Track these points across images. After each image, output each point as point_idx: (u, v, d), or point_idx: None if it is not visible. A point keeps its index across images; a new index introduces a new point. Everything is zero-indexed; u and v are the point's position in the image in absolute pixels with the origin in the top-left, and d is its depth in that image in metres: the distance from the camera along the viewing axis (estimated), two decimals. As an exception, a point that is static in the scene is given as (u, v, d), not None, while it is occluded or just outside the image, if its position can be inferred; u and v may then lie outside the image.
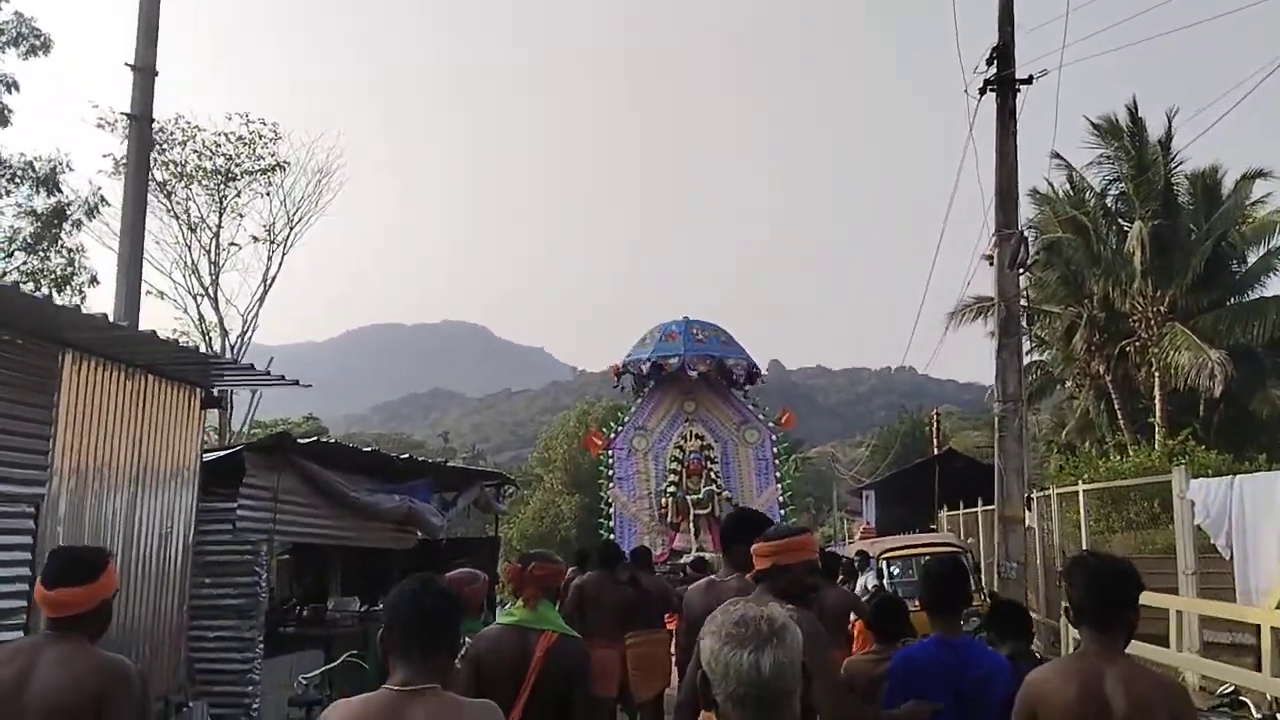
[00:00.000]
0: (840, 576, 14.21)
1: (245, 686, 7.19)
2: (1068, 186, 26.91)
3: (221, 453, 7.37)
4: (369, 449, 8.82)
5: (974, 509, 18.67)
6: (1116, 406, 25.73)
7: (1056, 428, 35.69)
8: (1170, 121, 24.72)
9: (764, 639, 1.69)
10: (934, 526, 24.14)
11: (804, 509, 57.15)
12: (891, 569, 11.58)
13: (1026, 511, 8.70)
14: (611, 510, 17.38)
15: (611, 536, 16.39)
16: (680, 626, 4.88)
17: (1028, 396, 31.23)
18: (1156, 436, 22.49)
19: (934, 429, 39.18)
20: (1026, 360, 30.11)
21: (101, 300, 23.53)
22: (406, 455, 9.84)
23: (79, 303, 17.83)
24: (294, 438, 7.48)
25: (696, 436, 17.29)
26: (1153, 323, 24.51)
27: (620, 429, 17.79)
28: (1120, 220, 26.57)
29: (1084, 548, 10.33)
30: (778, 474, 17.59)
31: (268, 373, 6.78)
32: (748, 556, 3.33)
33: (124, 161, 20.93)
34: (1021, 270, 8.66)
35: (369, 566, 11.19)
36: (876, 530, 25.68)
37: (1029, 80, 8.88)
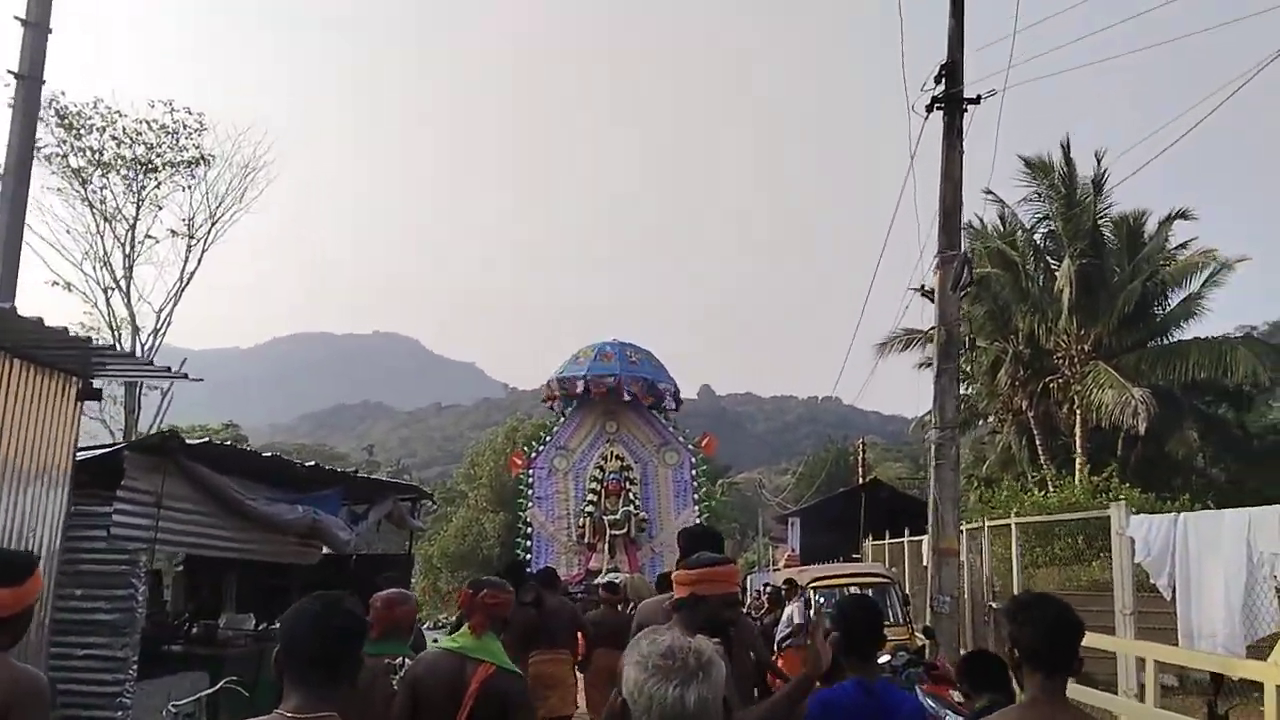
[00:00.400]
0: (764, 605, 14.00)
1: (115, 711, 6.47)
2: (998, 222, 27.34)
3: (96, 451, 6.64)
4: (269, 454, 8.12)
5: (899, 539, 18.56)
6: (1038, 442, 26.11)
7: (976, 461, 36.22)
8: (1099, 161, 25.27)
9: (690, 673, 1.65)
10: (858, 556, 24.07)
11: (729, 534, 57.05)
12: (820, 598, 11.26)
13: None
14: (530, 530, 17.28)
15: (528, 556, 16.33)
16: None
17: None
18: (1079, 472, 22.79)
19: (859, 458, 39.43)
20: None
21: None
22: (312, 463, 9.15)
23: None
24: (181, 437, 6.78)
25: (617, 457, 17.38)
26: (1076, 360, 24.95)
27: (542, 448, 17.75)
28: (1048, 258, 27.10)
29: (1015, 582, 10.13)
30: (695, 496, 17.70)
31: (151, 363, 6.13)
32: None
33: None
34: (963, 293, 8.42)
35: (268, 582, 10.45)
36: (801, 558, 25.58)
37: (977, 100, 8.71)
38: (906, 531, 17.73)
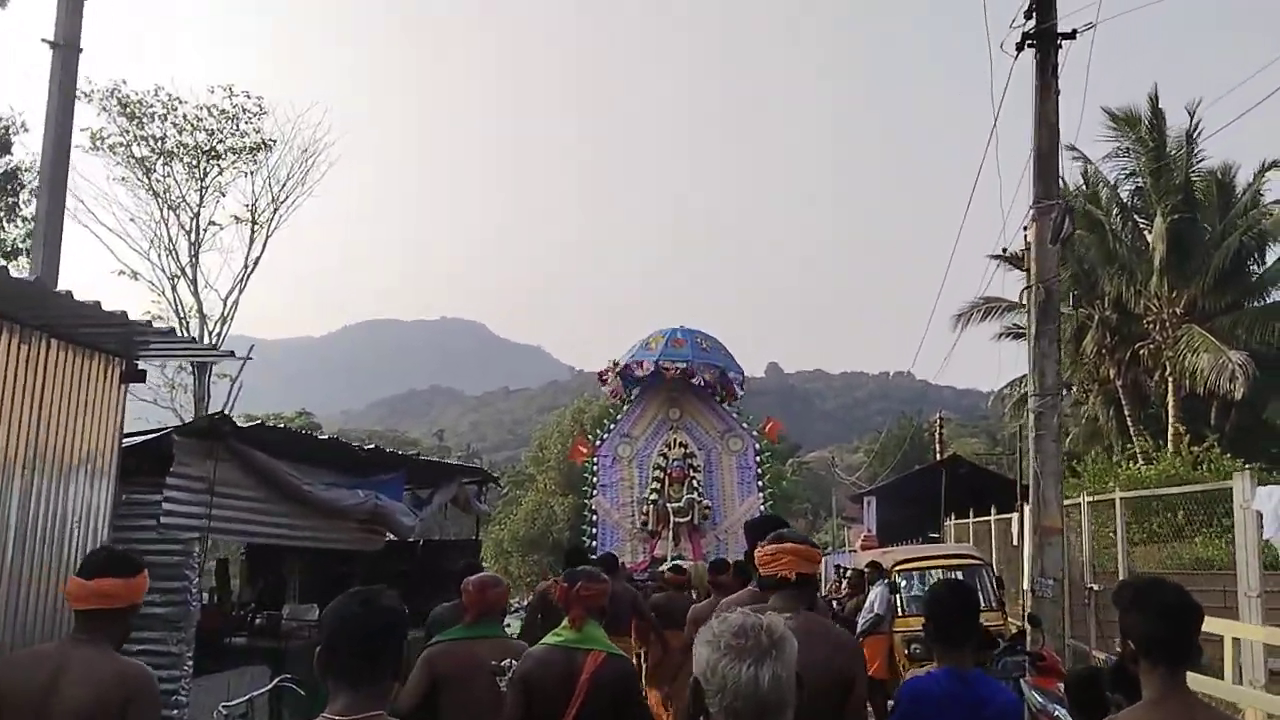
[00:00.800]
0: (847, 589, 13.42)
1: (171, 710, 6.20)
2: (1080, 182, 25.84)
3: (143, 437, 6.35)
4: (325, 436, 7.79)
5: (985, 517, 17.73)
6: (1126, 413, 24.85)
7: (1060, 435, 34.77)
8: (1192, 116, 23.76)
9: (763, 651, 1.66)
10: (937, 536, 23.20)
11: (801, 514, 56.18)
12: (905, 581, 10.59)
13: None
14: (595, 517, 17.32)
15: (593, 544, 16.36)
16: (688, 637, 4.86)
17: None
18: (1173, 442, 21.58)
19: (936, 434, 38.18)
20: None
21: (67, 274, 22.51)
22: (372, 445, 8.82)
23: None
24: (232, 420, 6.48)
25: (680, 444, 17.33)
26: (1168, 324, 23.66)
27: (606, 436, 17.80)
28: (1137, 217, 25.65)
29: (1120, 564, 9.38)
30: (760, 484, 17.55)
31: (194, 340, 5.79)
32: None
33: (88, 128, 20.23)
34: (1064, 246, 7.68)
35: (333, 570, 10.19)
36: (878, 538, 24.78)
37: (1072, 34, 7.93)
38: (993, 509, 16.91)
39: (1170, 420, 22.89)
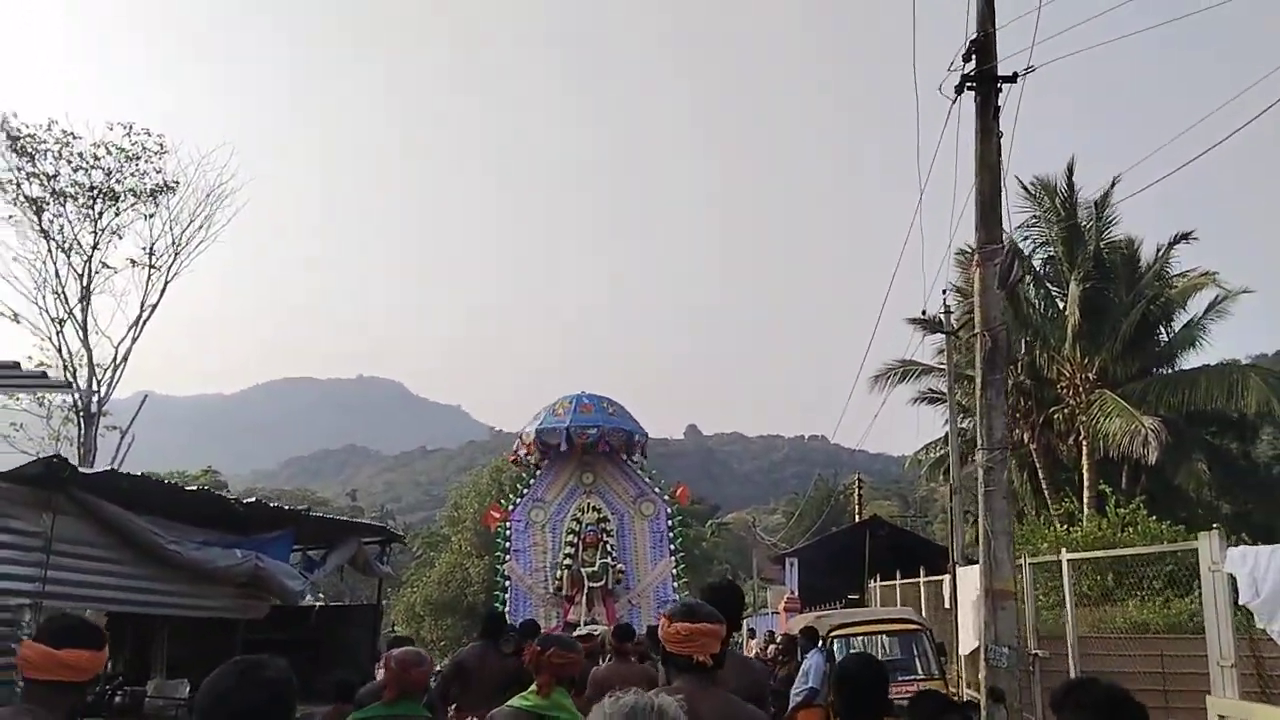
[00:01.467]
0: (777, 654, 12.77)
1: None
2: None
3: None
4: (194, 488, 6.81)
5: (913, 579, 17.27)
6: (1042, 477, 25.05)
7: (973, 500, 34.86)
8: (1112, 187, 24.42)
9: None
10: (856, 598, 22.74)
11: (721, 576, 55.40)
12: (843, 649, 9.94)
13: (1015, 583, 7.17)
14: (508, 582, 17.34)
15: (505, 609, 16.45)
16: None
17: (945, 468, 30.47)
18: (1091, 505, 21.60)
19: (856, 495, 38.08)
20: (944, 429, 29.42)
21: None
22: (252, 499, 7.86)
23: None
24: (72, 465, 5.51)
25: (594, 509, 17.54)
26: (1081, 390, 23.99)
27: (519, 501, 17.89)
28: (1049, 285, 26.19)
29: (1069, 629, 8.90)
30: (672, 547, 17.85)
31: (18, 366, 4.89)
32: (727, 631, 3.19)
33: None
34: (1009, 292, 7.30)
35: (209, 640, 9.06)
36: (801, 600, 24.23)
37: (1012, 78, 7.68)
38: (921, 571, 16.47)
39: (1086, 483, 23.05)
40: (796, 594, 24.49)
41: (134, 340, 20.48)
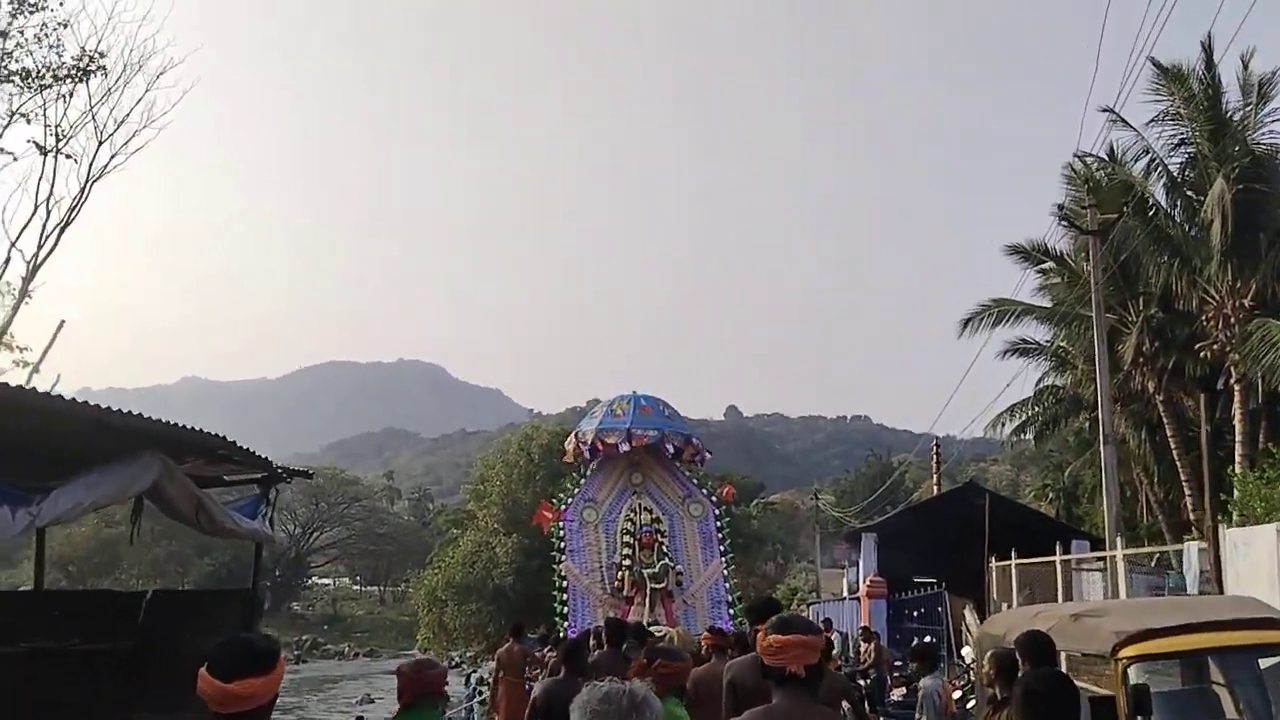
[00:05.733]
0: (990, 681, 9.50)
1: None
2: (1121, 152, 22.11)
3: None
4: None
5: (1045, 557, 15.68)
6: (1169, 433, 21.71)
7: (1056, 469, 32.19)
8: (1245, 65, 20.42)
9: (624, 713, 1.93)
10: (936, 585, 20.77)
11: (772, 558, 53.97)
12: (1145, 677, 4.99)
13: None
14: (565, 583, 17.18)
15: (564, 609, 16.44)
16: (728, 702, 4.69)
17: (1039, 429, 28.23)
18: (1239, 463, 18.39)
19: (935, 462, 35.70)
20: (1037, 386, 26.97)
21: None
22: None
23: None
24: None
25: (646, 509, 17.47)
26: (1233, 320, 19.69)
27: (570, 500, 17.85)
28: (1189, 192, 21.75)
29: None
30: (721, 548, 17.74)
31: None
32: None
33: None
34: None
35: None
36: (888, 584, 22.36)
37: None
38: (1060, 548, 14.87)
39: (1239, 437, 19.54)
40: (880, 577, 22.34)
41: (55, 242, 16.54)
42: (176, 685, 6.18)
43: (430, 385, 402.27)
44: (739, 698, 4.44)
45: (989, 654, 5.32)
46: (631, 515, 17.38)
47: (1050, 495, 32.78)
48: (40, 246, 16.55)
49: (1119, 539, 14.95)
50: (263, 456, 6.87)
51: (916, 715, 7.80)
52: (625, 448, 17.17)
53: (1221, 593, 10.37)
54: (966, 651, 19.40)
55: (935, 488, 34.32)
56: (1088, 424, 25.92)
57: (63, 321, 16.86)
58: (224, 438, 6.27)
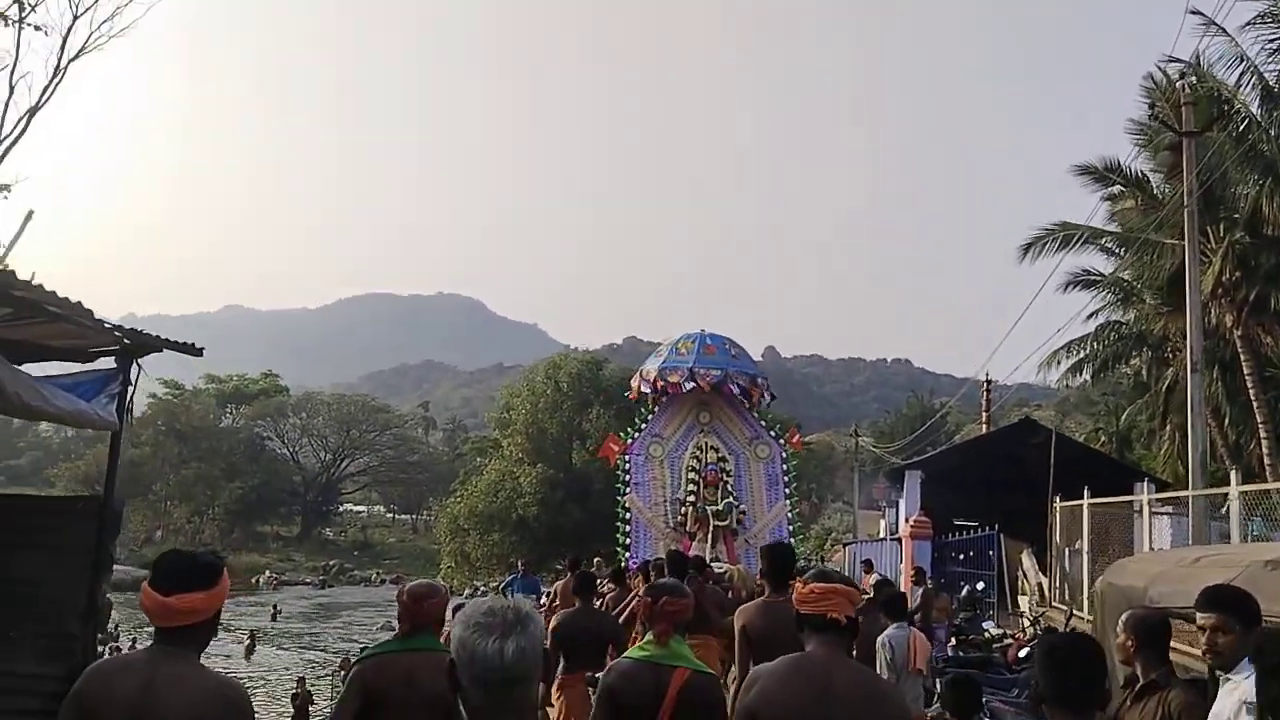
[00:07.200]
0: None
1: None
2: (1210, 62, 19.65)
3: None
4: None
5: (1125, 498, 14.61)
6: (1247, 374, 19.85)
7: (1108, 414, 30.65)
8: None
9: (509, 626, 1.82)
10: (989, 530, 19.16)
11: (807, 497, 52.56)
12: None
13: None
14: (629, 515, 17.27)
15: (627, 541, 16.78)
16: (741, 648, 4.78)
17: (1096, 368, 26.47)
18: None
19: (984, 399, 33.90)
20: (1099, 319, 25.08)
21: None
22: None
23: None
24: None
25: (712, 448, 17.49)
26: None
27: (637, 435, 17.87)
28: None
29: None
30: (786, 491, 17.83)
31: None
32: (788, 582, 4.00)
33: None
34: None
35: None
36: (934, 525, 20.71)
37: None
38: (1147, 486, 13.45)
39: None
40: (926, 518, 20.63)
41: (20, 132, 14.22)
42: (4, 607, 4.85)
43: (468, 319, 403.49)
44: (752, 641, 4.61)
45: (1127, 617, 3.94)
46: (697, 453, 17.48)
47: (1102, 439, 32.04)
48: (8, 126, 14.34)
49: (1200, 480, 13.80)
50: (120, 326, 5.02)
51: (877, 670, 6.49)
52: (689, 386, 17.09)
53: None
54: (1023, 600, 17.73)
55: (984, 427, 32.46)
56: (1152, 363, 24.68)
57: (31, 212, 15.36)
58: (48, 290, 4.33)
